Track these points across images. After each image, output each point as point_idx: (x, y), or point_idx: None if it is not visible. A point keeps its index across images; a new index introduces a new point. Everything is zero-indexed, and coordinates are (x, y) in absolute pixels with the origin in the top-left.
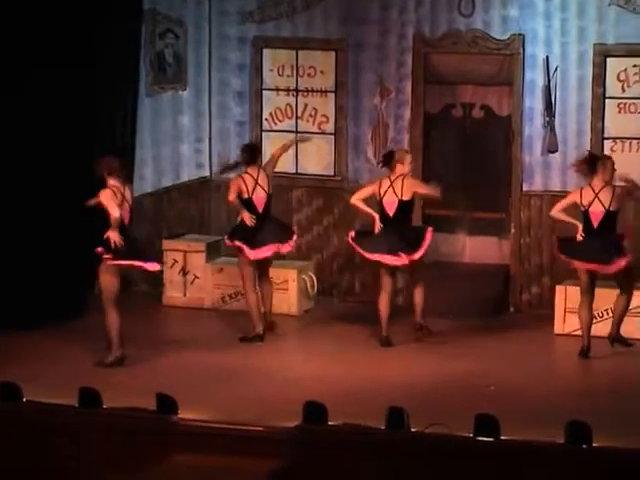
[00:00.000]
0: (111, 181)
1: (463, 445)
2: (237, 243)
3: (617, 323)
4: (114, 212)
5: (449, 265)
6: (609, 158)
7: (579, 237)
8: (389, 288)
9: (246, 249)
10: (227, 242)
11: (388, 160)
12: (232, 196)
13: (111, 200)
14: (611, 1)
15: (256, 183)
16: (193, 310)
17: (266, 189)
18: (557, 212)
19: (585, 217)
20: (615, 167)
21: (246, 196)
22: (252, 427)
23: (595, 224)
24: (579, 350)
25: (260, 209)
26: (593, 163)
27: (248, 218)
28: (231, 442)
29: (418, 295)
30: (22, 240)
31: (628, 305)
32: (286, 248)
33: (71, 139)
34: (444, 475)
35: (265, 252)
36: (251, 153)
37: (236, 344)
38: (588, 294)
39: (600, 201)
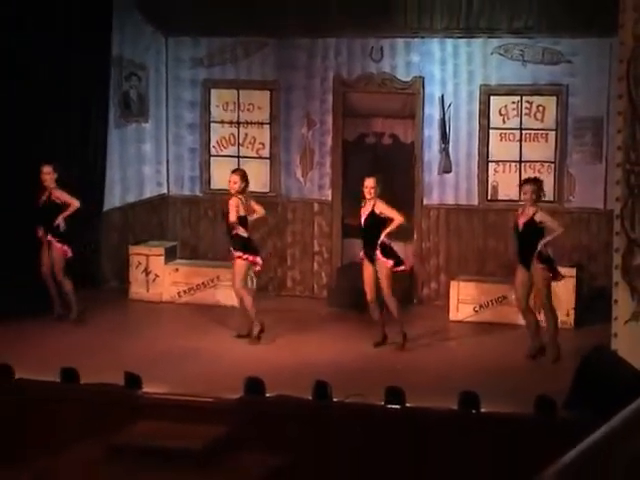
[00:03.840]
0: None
1: (376, 412)
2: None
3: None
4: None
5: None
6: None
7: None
8: None
9: (258, 259)
10: (258, 260)
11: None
12: (234, 216)
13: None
14: (493, 50)
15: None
16: (154, 303)
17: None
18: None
19: None
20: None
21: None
22: (202, 399)
23: None
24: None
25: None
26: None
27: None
28: (185, 411)
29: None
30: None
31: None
32: None
33: (50, 161)
34: (360, 436)
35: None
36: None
37: (190, 330)
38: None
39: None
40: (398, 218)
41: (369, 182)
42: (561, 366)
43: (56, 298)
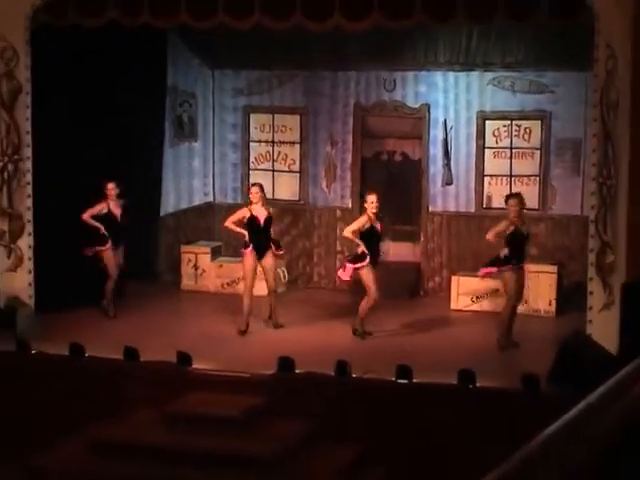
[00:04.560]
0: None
1: (387, 386)
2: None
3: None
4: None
5: (380, 263)
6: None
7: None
8: None
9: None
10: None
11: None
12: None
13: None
14: (488, 82)
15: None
16: (201, 293)
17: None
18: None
19: None
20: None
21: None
22: (241, 374)
23: None
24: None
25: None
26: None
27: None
28: (227, 384)
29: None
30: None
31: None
32: None
33: (118, 175)
34: (374, 406)
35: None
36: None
37: (232, 317)
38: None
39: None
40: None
41: (372, 198)
42: (544, 348)
43: (111, 293)
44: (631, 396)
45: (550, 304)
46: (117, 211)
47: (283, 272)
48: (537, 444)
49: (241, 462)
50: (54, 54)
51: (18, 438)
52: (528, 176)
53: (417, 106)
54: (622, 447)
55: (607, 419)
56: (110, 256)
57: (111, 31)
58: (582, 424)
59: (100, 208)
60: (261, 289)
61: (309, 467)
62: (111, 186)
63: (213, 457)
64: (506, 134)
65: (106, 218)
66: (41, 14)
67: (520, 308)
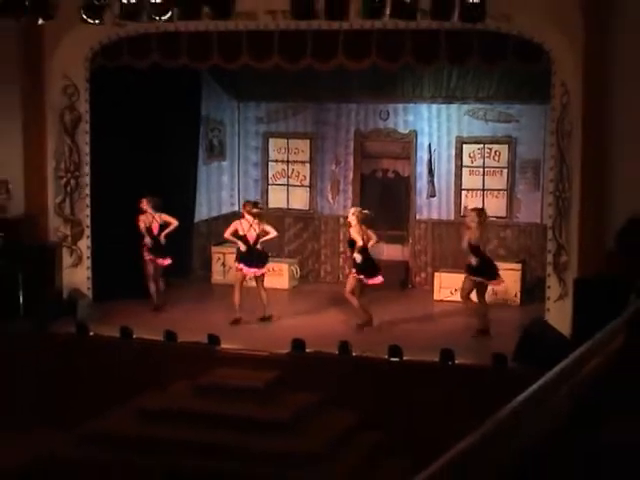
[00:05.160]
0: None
1: (382, 363)
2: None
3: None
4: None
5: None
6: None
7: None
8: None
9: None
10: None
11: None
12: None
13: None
14: (465, 112)
15: (250, 225)
16: (228, 286)
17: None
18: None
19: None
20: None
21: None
22: (262, 353)
23: None
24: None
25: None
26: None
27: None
28: (250, 361)
29: None
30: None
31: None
32: None
33: (161, 188)
34: (370, 380)
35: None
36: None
37: (254, 305)
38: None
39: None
40: None
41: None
42: (510, 332)
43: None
44: (583, 373)
45: (515, 295)
46: (155, 225)
47: (296, 269)
48: (507, 412)
49: (262, 425)
50: (110, 89)
51: (77, 406)
52: (497, 190)
53: (406, 132)
54: (575, 418)
55: (563, 393)
56: (149, 264)
57: (156, 71)
58: (544, 396)
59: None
60: (278, 283)
61: (318, 429)
62: (145, 200)
63: (239, 421)
64: (479, 155)
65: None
66: (98, 57)
67: (490, 298)
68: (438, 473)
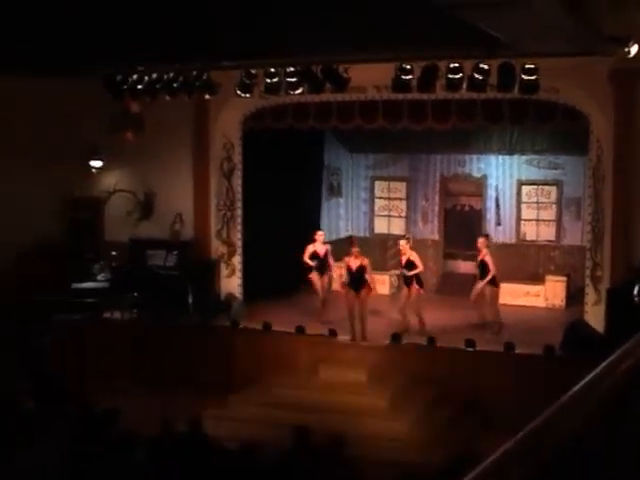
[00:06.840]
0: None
1: (459, 352)
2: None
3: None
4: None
5: (454, 274)
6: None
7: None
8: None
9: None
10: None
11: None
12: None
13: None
14: (524, 161)
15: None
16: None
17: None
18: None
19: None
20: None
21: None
22: (367, 343)
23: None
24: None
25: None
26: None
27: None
28: (357, 349)
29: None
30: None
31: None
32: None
33: (295, 218)
34: (448, 364)
35: None
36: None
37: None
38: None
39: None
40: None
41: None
42: (558, 328)
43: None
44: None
45: (562, 301)
46: (321, 250)
47: (394, 279)
48: (566, 398)
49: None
50: (257, 145)
51: (226, 383)
52: (548, 220)
53: (479, 176)
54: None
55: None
56: (316, 279)
57: (291, 131)
58: (596, 385)
59: (311, 248)
60: (381, 290)
61: (408, 402)
62: (319, 233)
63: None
64: (534, 194)
65: (314, 255)
66: (249, 121)
67: (542, 303)
68: (512, 449)
